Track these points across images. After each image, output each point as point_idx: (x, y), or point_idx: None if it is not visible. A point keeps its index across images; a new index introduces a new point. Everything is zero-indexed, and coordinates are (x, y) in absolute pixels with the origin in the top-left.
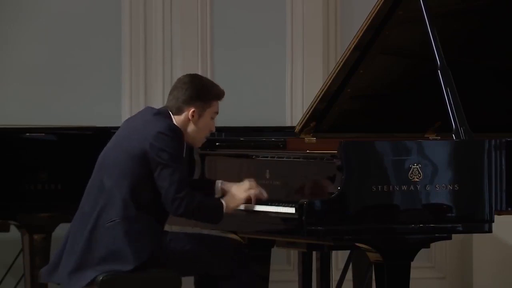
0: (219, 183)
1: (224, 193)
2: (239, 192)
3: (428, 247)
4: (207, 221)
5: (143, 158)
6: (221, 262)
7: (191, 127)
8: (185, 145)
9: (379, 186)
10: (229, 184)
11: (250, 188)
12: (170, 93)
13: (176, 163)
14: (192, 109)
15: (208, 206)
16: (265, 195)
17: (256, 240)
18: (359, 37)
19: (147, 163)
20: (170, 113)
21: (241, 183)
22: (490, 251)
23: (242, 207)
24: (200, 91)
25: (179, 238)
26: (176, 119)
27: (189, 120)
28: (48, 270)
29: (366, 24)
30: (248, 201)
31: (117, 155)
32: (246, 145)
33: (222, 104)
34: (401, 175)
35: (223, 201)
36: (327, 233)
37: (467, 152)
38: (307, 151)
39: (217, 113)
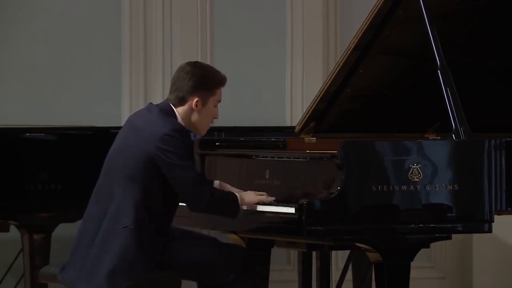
0: (216, 183)
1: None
2: (252, 194)
3: (428, 247)
4: (227, 215)
5: (151, 161)
6: (224, 270)
7: (195, 116)
8: (192, 142)
9: (379, 186)
10: (228, 186)
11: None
12: (173, 83)
13: (188, 161)
14: (196, 99)
15: (227, 200)
16: (271, 199)
17: (256, 240)
18: (359, 37)
19: (155, 166)
20: (173, 106)
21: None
22: (490, 251)
23: (243, 207)
24: (203, 80)
25: (184, 244)
26: (180, 110)
27: (193, 109)
28: (59, 272)
29: (366, 24)
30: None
31: (125, 159)
32: (246, 145)
33: (222, 104)
34: (401, 175)
35: (237, 194)
36: (327, 233)
37: (467, 152)
38: (307, 151)
39: (219, 100)
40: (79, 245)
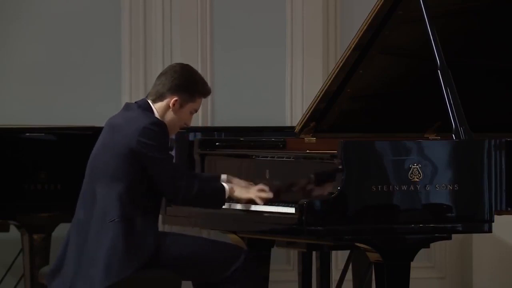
0: (224, 177)
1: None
2: (250, 189)
3: (428, 247)
4: (209, 207)
5: (132, 156)
6: (221, 268)
7: (169, 115)
8: (169, 135)
9: (379, 186)
10: (235, 179)
11: (260, 190)
12: (158, 78)
13: (167, 155)
14: (175, 98)
15: (208, 191)
16: (270, 196)
17: (256, 240)
18: (359, 37)
19: (137, 160)
20: (151, 102)
21: (253, 186)
22: (490, 251)
23: (242, 206)
24: (188, 83)
25: (180, 242)
26: (157, 106)
27: (169, 107)
28: (49, 276)
29: (366, 24)
30: (252, 201)
31: (106, 157)
32: (246, 145)
33: (223, 104)
34: (401, 175)
35: (225, 185)
36: (327, 233)
37: (467, 152)
38: (307, 151)
39: (196, 110)
40: (69, 250)
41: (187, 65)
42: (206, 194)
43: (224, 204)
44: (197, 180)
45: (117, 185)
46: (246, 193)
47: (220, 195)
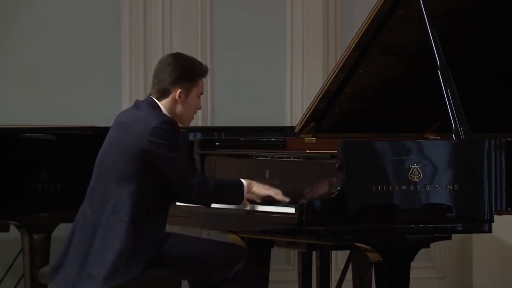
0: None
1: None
2: (262, 186)
3: (428, 247)
4: (227, 202)
5: (142, 156)
6: (223, 268)
7: (179, 108)
8: (180, 133)
9: (379, 186)
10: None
11: (276, 193)
12: (155, 76)
13: (178, 153)
14: (179, 90)
15: (224, 187)
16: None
17: (256, 240)
18: (359, 37)
19: (147, 160)
20: (156, 100)
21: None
22: (490, 251)
23: (242, 206)
24: (186, 72)
25: (182, 241)
26: (163, 103)
27: (176, 101)
28: (50, 274)
29: (366, 24)
30: (268, 198)
31: (114, 156)
32: (246, 145)
33: (223, 104)
34: (401, 175)
35: (244, 181)
36: (327, 233)
37: (467, 152)
38: (307, 151)
39: (202, 93)
40: (73, 248)
41: (177, 53)
42: (222, 188)
43: (243, 199)
44: (211, 177)
45: (127, 185)
46: (265, 190)
47: (238, 189)
